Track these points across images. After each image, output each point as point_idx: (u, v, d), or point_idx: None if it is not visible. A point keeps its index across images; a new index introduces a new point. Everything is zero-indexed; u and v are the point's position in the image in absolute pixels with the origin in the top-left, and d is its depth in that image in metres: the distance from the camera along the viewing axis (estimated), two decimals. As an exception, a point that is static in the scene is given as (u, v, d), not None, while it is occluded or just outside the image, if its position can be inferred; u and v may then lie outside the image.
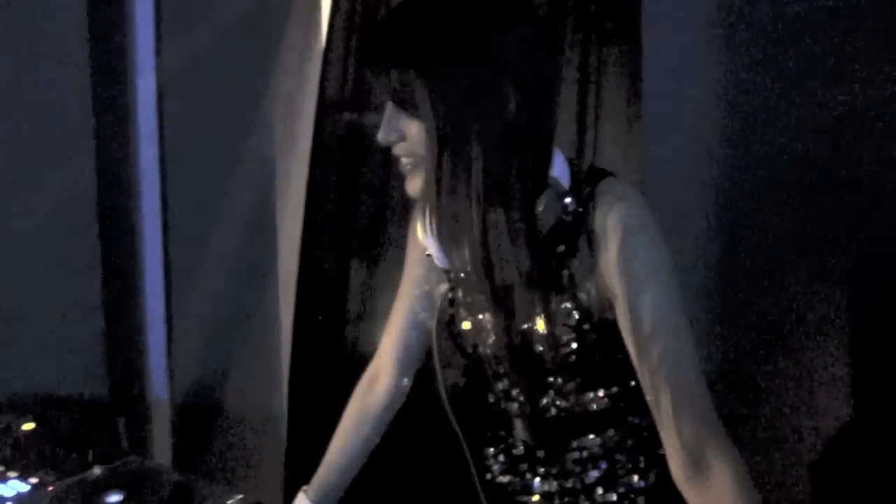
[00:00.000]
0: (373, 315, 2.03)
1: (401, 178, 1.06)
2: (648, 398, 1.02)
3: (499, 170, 0.99)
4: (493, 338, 1.11)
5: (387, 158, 2.06)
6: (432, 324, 1.29)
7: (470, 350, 1.17)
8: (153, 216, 2.03)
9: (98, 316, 1.89)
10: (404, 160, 1.03)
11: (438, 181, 0.99)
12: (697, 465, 0.99)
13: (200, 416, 2.03)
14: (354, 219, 2.09)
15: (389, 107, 1.00)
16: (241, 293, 2.16)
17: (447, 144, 0.97)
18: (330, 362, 2.02)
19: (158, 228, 2.04)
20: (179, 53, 1.96)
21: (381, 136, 1.01)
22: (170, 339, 2.04)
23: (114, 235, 1.96)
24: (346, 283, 2.09)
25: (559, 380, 1.10)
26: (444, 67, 0.96)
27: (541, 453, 1.15)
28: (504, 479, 1.19)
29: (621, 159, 1.83)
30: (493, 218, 1.00)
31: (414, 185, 1.03)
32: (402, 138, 1.01)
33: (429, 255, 1.14)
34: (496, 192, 0.99)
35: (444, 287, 1.23)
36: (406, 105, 0.98)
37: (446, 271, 1.18)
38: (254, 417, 2.13)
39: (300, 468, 1.48)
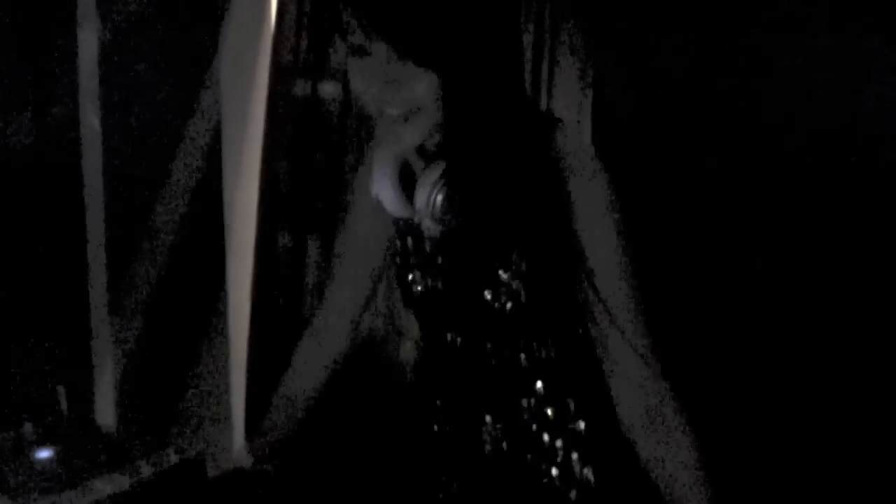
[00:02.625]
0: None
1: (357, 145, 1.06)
2: (600, 347, 1.03)
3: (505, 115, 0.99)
4: (441, 285, 1.11)
5: (342, 125, 2.05)
6: (375, 278, 1.28)
7: (419, 300, 1.16)
8: (96, 181, 1.98)
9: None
10: (395, 111, 0.99)
11: (449, 128, 0.99)
12: (651, 408, 1.01)
13: (145, 378, 1.98)
14: (311, 187, 2.07)
15: (385, 54, 0.96)
16: (186, 258, 2.11)
17: (458, 92, 0.96)
18: (290, 330, 2.00)
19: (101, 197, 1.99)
20: (123, 9, 1.90)
21: (380, 88, 0.98)
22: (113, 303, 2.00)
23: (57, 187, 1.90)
24: (304, 253, 2.08)
25: (508, 331, 1.09)
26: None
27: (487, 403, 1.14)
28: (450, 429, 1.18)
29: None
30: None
31: (412, 137, 1.01)
32: (399, 86, 0.97)
33: (377, 213, 1.13)
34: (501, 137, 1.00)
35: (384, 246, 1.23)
36: (413, 53, 0.95)
37: (399, 226, 1.16)
38: (199, 381, 2.09)
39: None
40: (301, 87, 2.06)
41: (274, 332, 2.04)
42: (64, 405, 1.44)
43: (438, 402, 1.22)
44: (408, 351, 2.08)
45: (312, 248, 2.09)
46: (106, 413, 1.88)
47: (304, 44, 2.04)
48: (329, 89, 2.08)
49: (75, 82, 1.89)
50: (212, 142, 2.13)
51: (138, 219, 2.04)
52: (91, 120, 1.94)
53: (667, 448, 1.03)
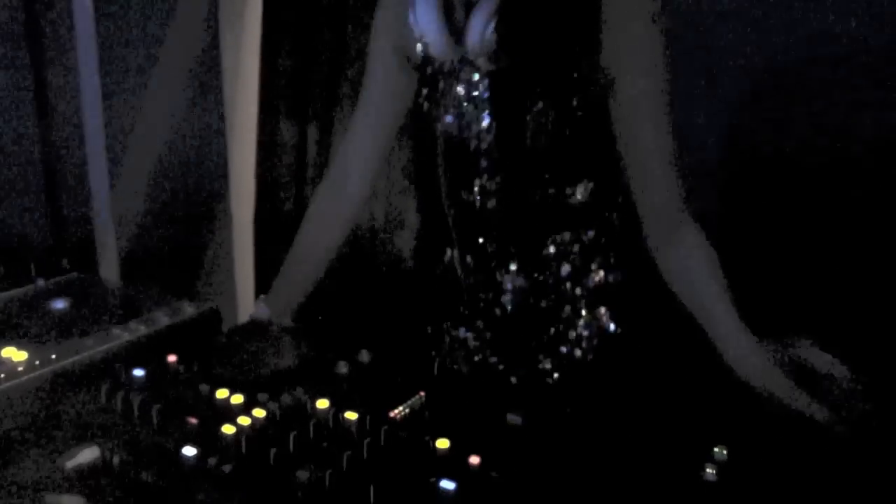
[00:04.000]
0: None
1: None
2: (628, 163, 1.05)
3: None
4: (481, 126, 1.09)
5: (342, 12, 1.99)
6: (394, 131, 1.27)
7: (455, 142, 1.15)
8: (91, 66, 1.93)
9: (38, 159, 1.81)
10: None
11: None
12: (671, 231, 1.05)
13: (148, 244, 1.98)
14: (311, 75, 2.03)
15: None
16: (188, 142, 2.08)
17: None
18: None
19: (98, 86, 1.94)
20: None
21: None
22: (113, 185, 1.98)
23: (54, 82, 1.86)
24: (305, 141, 2.05)
25: (543, 171, 1.09)
26: None
27: (514, 249, 1.14)
28: (472, 279, 1.19)
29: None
30: None
31: None
32: None
33: (400, 60, 1.12)
34: None
35: (407, 98, 1.21)
36: None
37: (427, 68, 1.14)
38: (203, 245, 2.09)
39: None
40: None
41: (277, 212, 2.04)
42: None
43: (460, 254, 1.22)
44: (405, 240, 2.07)
45: (312, 134, 2.06)
46: (112, 273, 1.89)
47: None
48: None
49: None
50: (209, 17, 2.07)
51: (135, 92, 2.00)
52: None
53: (688, 260, 1.05)
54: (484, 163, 1.13)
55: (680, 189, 1.06)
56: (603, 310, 1.16)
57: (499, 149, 1.11)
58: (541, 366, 1.19)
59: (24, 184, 1.84)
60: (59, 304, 1.25)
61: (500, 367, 1.22)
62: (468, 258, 1.22)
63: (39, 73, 1.83)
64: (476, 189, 1.15)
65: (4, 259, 1.46)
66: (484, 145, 1.12)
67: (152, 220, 2.03)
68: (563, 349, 1.18)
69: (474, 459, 0.87)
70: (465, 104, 1.12)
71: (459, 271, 1.22)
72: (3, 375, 1.03)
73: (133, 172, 2.03)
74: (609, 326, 1.16)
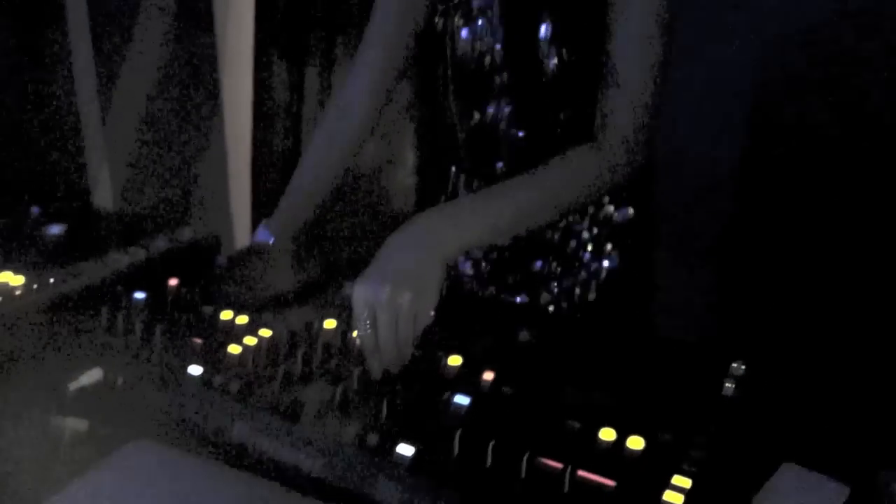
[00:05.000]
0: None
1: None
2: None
3: None
4: (495, 43, 1.06)
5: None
6: (405, 53, 1.23)
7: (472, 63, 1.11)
8: None
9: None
10: None
11: None
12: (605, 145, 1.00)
13: (141, 177, 1.94)
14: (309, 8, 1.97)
15: None
16: (180, 70, 2.03)
17: None
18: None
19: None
20: None
21: None
22: (105, 110, 1.93)
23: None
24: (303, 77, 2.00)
25: (556, 91, 1.05)
26: None
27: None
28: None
29: None
30: None
31: None
32: None
33: None
34: None
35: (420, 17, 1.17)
36: None
37: None
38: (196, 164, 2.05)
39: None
40: None
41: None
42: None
43: (467, 181, 1.19)
44: (403, 179, 2.04)
45: (311, 76, 2.01)
46: (105, 200, 1.85)
47: None
48: None
49: None
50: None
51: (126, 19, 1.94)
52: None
53: None
54: (497, 81, 1.10)
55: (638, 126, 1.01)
56: (609, 245, 1.14)
57: (512, 67, 1.07)
58: (544, 299, 1.18)
59: (17, 114, 1.80)
60: (55, 230, 1.22)
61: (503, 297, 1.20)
62: (475, 185, 1.19)
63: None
64: (489, 110, 1.12)
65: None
66: (498, 63, 1.09)
67: (145, 152, 1.99)
68: (568, 282, 1.16)
69: (488, 375, 0.85)
70: (480, 21, 1.09)
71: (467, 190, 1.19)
72: (1, 299, 1.01)
73: (124, 104, 1.98)
74: (616, 261, 1.14)
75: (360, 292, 0.83)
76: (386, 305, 0.82)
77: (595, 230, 1.14)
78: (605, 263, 1.14)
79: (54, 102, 1.89)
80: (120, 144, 1.92)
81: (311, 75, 1.99)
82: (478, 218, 0.91)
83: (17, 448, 0.84)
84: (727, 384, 0.85)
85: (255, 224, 1.29)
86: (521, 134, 1.11)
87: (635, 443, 0.75)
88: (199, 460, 0.79)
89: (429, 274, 0.84)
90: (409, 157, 1.95)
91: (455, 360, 0.88)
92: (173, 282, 1.07)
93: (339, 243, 1.66)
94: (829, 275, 1.23)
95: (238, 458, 0.78)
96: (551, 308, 1.16)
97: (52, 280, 1.06)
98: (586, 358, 0.91)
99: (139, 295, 1.04)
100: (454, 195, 1.23)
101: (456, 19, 1.12)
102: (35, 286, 1.05)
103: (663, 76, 1.01)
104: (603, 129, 1.01)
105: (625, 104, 1.00)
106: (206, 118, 2.03)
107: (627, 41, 0.99)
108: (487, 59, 1.10)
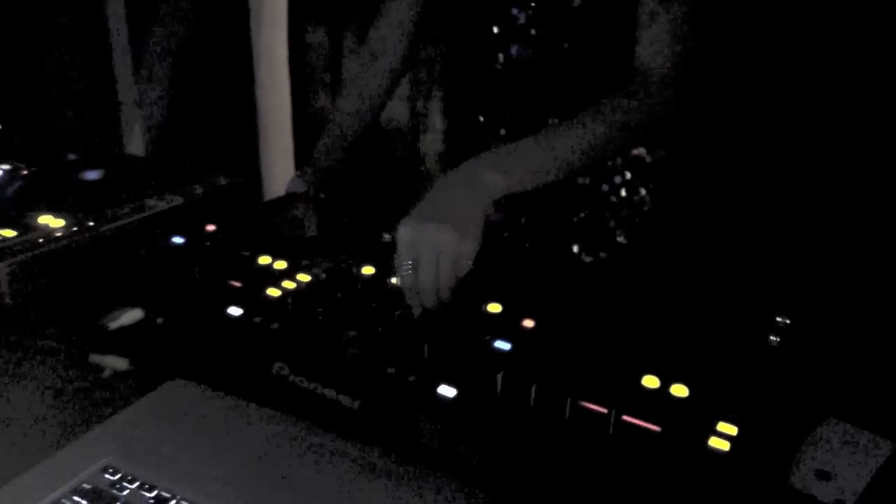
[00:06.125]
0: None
1: None
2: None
3: None
4: None
5: None
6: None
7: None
8: None
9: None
10: None
11: None
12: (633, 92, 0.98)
13: (171, 129, 1.94)
14: None
15: None
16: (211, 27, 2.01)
17: None
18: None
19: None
20: None
21: None
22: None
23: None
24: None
25: (588, 33, 1.03)
26: None
27: (554, 118, 1.09)
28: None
29: None
30: None
31: None
32: None
33: None
34: None
35: None
36: None
37: None
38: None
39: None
40: None
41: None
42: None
43: (493, 128, 1.18)
44: (429, 143, 2.02)
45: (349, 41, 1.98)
46: (139, 148, 1.86)
47: None
48: None
49: None
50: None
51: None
52: None
53: None
54: (527, 26, 1.07)
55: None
56: (643, 190, 1.12)
57: (542, 9, 1.05)
58: (576, 248, 1.16)
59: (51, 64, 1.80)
60: (92, 175, 1.22)
61: (534, 251, 1.18)
62: (502, 132, 1.17)
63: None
64: (515, 52, 1.09)
65: (34, 136, 1.44)
66: (526, 8, 1.06)
67: (176, 103, 1.99)
68: (605, 227, 1.14)
69: (528, 322, 0.85)
70: None
71: (494, 138, 1.17)
72: (41, 240, 1.01)
73: (156, 57, 1.97)
74: (650, 205, 1.12)
75: (405, 231, 0.83)
76: (428, 244, 0.81)
77: (629, 174, 1.12)
78: (643, 206, 1.12)
79: (89, 53, 1.89)
80: (153, 95, 1.92)
81: (349, 35, 1.98)
82: (521, 163, 0.90)
83: (58, 385, 0.84)
84: (772, 336, 0.83)
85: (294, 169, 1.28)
86: (551, 80, 1.09)
87: (679, 390, 0.74)
88: (237, 401, 0.79)
89: (472, 216, 0.83)
90: (438, 116, 1.93)
91: (495, 308, 0.87)
92: (211, 227, 1.07)
93: (372, 194, 1.66)
94: (879, 230, 1.20)
95: (277, 397, 0.79)
96: (588, 256, 1.15)
97: (91, 223, 1.07)
98: (628, 306, 0.90)
99: (177, 239, 1.04)
100: (484, 145, 1.21)
101: None
102: (75, 228, 1.05)
103: (698, 20, 0.98)
104: (642, 73, 0.99)
105: (663, 44, 0.98)
106: (240, 70, 2.02)
107: None
108: (514, 7, 1.07)
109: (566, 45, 1.06)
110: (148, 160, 1.40)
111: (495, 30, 1.10)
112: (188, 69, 2.01)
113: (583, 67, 1.06)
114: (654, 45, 0.97)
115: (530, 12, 1.06)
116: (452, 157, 1.32)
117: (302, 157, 1.94)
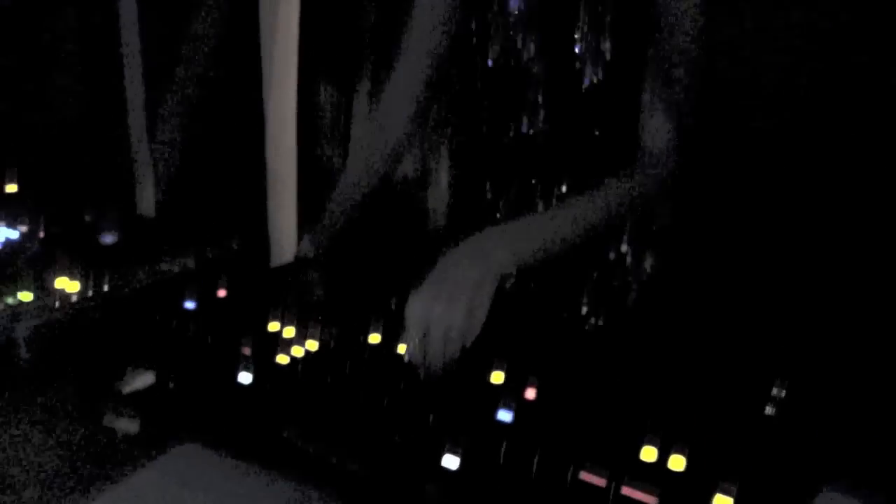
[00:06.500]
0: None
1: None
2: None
3: None
4: (530, 55, 1.08)
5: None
6: (438, 63, 1.25)
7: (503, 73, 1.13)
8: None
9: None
10: None
11: None
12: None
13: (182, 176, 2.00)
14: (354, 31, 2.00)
15: None
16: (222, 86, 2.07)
17: None
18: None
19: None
20: None
21: None
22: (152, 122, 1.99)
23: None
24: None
25: (594, 106, 1.07)
26: None
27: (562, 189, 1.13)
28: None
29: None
30: None
31: None
32: None
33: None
34: None
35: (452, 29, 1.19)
36: None
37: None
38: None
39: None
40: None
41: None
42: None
43: (500, 194, 1.21)
44: (437, 198, 2.06)
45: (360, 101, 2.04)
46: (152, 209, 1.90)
47: None
48: None
49: None
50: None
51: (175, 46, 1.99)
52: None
53: None
54: (533, 95, 1.12)
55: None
56: (649, 255, 1.15)
57: (548, 79, 1.09)
58: (584, 310, 1.19)
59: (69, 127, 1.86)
60: (108, 239, 1.26)
61: (541, 313, 1.21)
62: (511, 197, 1.21)
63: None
64: (524, 123, 1.13)
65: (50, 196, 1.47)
66: (533, 77, 1.11)
67: (187, 162, 2.03)
68: (608, 293, 1.17)
69: (531, 392, 0.87)
70: (512, 35, 1.11)
71: (500, 212, 1.21)
72: (57, 304, 1.04)
73: (169, 118, 2.03)
74: (654, 270, 1.15)
75: (414, 308, 0.86)
76: (436, 322, 0.84)
77: (633, 241, 1.15)
78: (645, 271, 1.15)
79: (104, 113, 1.95)
80: (165, 154, 1.97)
81: (360, 91, 2.03)
82: (527, 239, 0.93)
83: (71, 447, 0.86)
84: (768, 406, 0.86)
85: (300, 236, 1.31)
86: (556, 148, 1.13)
87: (677, 462, 0.76)
88: (247, 465, 0.82)
89: (480, 292, 0.86)
90: (444, 176, 1.97)
91: (498, 377, 0.89)
92: (222, 292, 1.10)
93: (380, 258, 1.69)
94: (876, 298, 1.23)
95: (286, 462, 0.81)
96: (592, 320, 1.17)
97: (106, 286, 1.10)
98: (629, 373, 0.92)
99: (190, 304, 1.07)
100: (492, 210, 1.24)
101: (490, 32, 1.14)
102: (90, 291, 1.08)
103: (702, 94, 1.03)
104: (645, 153, 1.03)
105: (664, 127, 1.02)
106: (251, 131, 2.07)
107: (669, 62, 1.01)
108: (522, 73, 1.12)
109: (574, 124, 1.10)
110: (160, 221, 1.43)
111: (505, 104, 1.14)
112: (200, 129, 2.06)
113: (589, 145, 1.10)
114: (655, 127, 1.01)
115: (541, 92, 1.10)
116: (460, 213, 1.35)
117: (309, 218, 1.98)
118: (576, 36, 1.04)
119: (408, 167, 1.95)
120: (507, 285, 1.12)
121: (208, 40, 2.04)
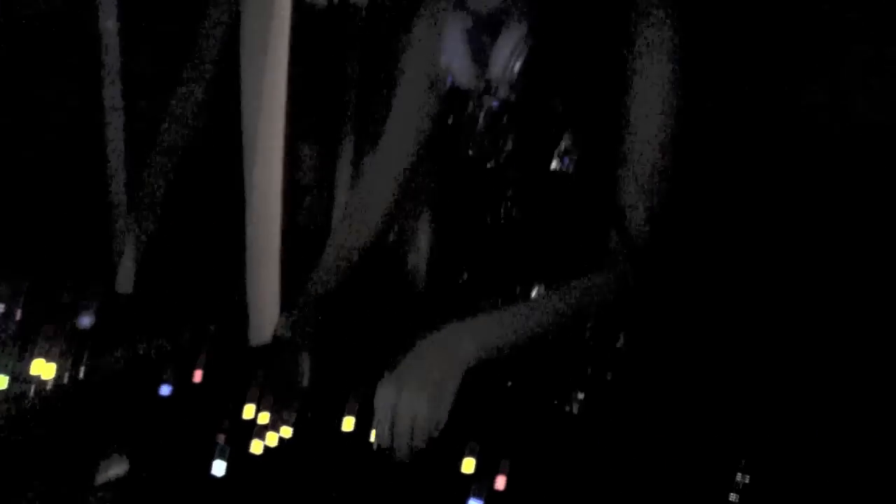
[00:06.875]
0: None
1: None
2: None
3: None
4: (504, 153, 1.12)
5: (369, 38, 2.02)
6: (419, 149, 1.28)
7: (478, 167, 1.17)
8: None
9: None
10: None
11: None
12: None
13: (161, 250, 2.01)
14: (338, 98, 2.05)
15: None
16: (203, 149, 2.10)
17: None
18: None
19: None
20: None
21: None
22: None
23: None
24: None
25: (565, 201, 1.11)
26: None
27: (531, 283, 1.16)
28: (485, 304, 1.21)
29: None
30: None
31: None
32: None
33: (430, 83, 1.14)
34: None
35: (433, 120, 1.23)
36: None
37: (454, 94, 1.16)
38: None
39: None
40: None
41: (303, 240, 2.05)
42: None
43: (470, 278, 1.24)
44: (417, 259, 2.08)
45: (344, 162, 2.07)
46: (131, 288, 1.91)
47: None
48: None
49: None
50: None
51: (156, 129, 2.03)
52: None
53: None
54: (506, 189, 1.15)
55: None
56: (621, 340, 1.17)
57: (521, 176, 1.12)
58: (550, 396, 1.20)
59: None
60: (85, 321, 1.27)
61: (514, 391, 1.23)
62: (483, 282, 1.23)
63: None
64: (497, 214, 1.17)
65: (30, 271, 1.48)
66: (506, 171, 1.14)
67: (165, 237, 2.05)
68: (582, 380, 1.19)
69: (500, 481, 0.88)
70: (489, 130, 1.14)
71: (475, 296, 1.23)
72: (32, 389, 1.05)
73: (149, 189, 2.05)
74: (623, 355, 1.17)
75: (382, 396, 0.87)
76: (403, 410, 0.85)
77: (602, 329, 1.17)
78: (615, 356, 1.17)
79: (86, 186, 1.97)
80: (146, 233, 1.98)
81: (342, 162, 2.05)
82: (497, 333, 0.96)
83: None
84: (732, 495, 0.88)
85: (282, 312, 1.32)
86: (529, 229, 1.16)
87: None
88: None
89: (446, 382, 0.88)
90: (425, 235, 2.00)
91: (469, 466, 0.91)
92: (198, 376, 1.11)
93: (357, 336, 1.70)
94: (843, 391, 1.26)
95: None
96: (567, 407, 1.19)
97: (81, 370, 1.11)
98: (595, 459, 0.94)
99: (164, 389, 1.08)
100: (466, 292, 1.27)
101: (470, 115, 1.17)
102: (66, 376, 1.09)
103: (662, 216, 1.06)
104: (613, 252, 1.06)
105: (636, 224, 1.05)
106: (232, 205, 2.10)
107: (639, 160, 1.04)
108: (496, 169, 1.15)
109: (549, 215, 1.13)
110: (138, 300, 1.44)
111: (479, 190, 1.17)
112: (181, 201, 2.08)
113: (559, 235, 1.13)
114: (624, 223, 1.04)
115: (516, 185, 1.13)
116: (439, 278, 1.36)
117: (289, 297, 1.99)
118: (551, 131, 1.08)
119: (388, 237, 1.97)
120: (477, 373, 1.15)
121: (190, 113, 2.08)
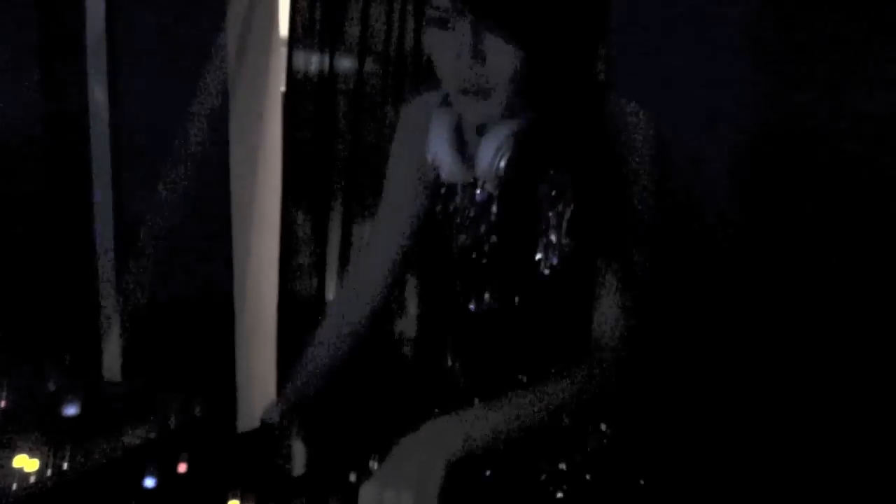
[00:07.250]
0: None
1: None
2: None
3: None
4: (491, 244, 1.13)
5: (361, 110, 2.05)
6: (410, 236, 1.30)
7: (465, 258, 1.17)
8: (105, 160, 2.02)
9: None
10: (471, 86, 1.02)
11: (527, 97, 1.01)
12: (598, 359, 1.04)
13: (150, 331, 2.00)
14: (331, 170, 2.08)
15: (471, 28, 0.99)
16: (194, 228, 2.12)
17: (535, 66, 0.98)
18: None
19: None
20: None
21: (463, 62, 1.01)
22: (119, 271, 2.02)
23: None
24: (326, 233, 2.08)
25: (552, 293, 1.11)
26: None
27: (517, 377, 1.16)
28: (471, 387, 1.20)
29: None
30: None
31: (493, 111, 1.04)
32: (484, 61, 1.01)
33: (418, 175, 1.16)
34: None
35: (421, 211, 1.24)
36: (501, 26, 0.97)
37: (440, 188, 1.18)
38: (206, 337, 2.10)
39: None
40: (317, 63, 2.07)
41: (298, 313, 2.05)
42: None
43: (455, 363, 1.23)
44: (406, 325, 2.08)
45: (334, 229, 2.08)
46: (114, 368, 1.90)
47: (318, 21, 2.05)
48: (346, 65, 2.09)
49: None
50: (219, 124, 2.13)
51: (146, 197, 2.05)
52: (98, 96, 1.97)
53: None
54: (493, 280, 1.16)
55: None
56: (604, 426, 1.17)
57: (507, 267, 1.13)
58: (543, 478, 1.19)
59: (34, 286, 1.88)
60: (70, 410, 1.26)
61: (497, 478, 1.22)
62: (469, 371, 1.22)
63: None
64: (483, 304, 1.17)
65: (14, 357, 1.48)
66: (494, 263, 1.15)
67: (155, 317, 2.04)
68: (566, 463, 1.18)
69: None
70: (475, 223, 1.16)
71: (460, 380, 1.23)
72: (15, 485, 1.04)
73: (139, 268, 2.05)
74: (607, 442, 1.17)
75: (366, 493, 0.86)
76: None
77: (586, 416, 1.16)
78: (598, 442, 1.16)
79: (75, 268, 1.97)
80: (133, 316, 1.98)
81: (333, 239, 2.06)
82: (481, 428, 0.95)
83: None
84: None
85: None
86: (516, 324, 1.16)
87: None
88: None
89: (430, 478, 0.88)
90: (413, 301, 2.00)
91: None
92: (182, 467, 1.10)
93: (347, 422, 1.69)
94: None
95: None
96: (550, 488, 1.17)
97: (65, 464, 1.09)
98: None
99: (149, 482, 1.06)
100: (454, 385, 1.26)
101: (457, 207, 1.19)
102: (49, 470, 1.08)
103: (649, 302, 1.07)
104: (598, 347, 1.06)
105: (615, 322, 1.05)
106: (220, 290, 2.11)
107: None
108: (483, 259, 1.16)
109: (533, 310, 1.13)
110: (125, 387, 1.43)
111: (466, 281, 1.18)
112: (171, 280, 2.08)
113: (547, 331, 1.13)
114: (607, 322, 1.05)
115: (499, 281, 1.14)
116: (426, 364, 1.36)
117: (282, 381, 1.98)
118: (537, 227, 1.09)
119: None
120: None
121: (179, 192, 2.10)
